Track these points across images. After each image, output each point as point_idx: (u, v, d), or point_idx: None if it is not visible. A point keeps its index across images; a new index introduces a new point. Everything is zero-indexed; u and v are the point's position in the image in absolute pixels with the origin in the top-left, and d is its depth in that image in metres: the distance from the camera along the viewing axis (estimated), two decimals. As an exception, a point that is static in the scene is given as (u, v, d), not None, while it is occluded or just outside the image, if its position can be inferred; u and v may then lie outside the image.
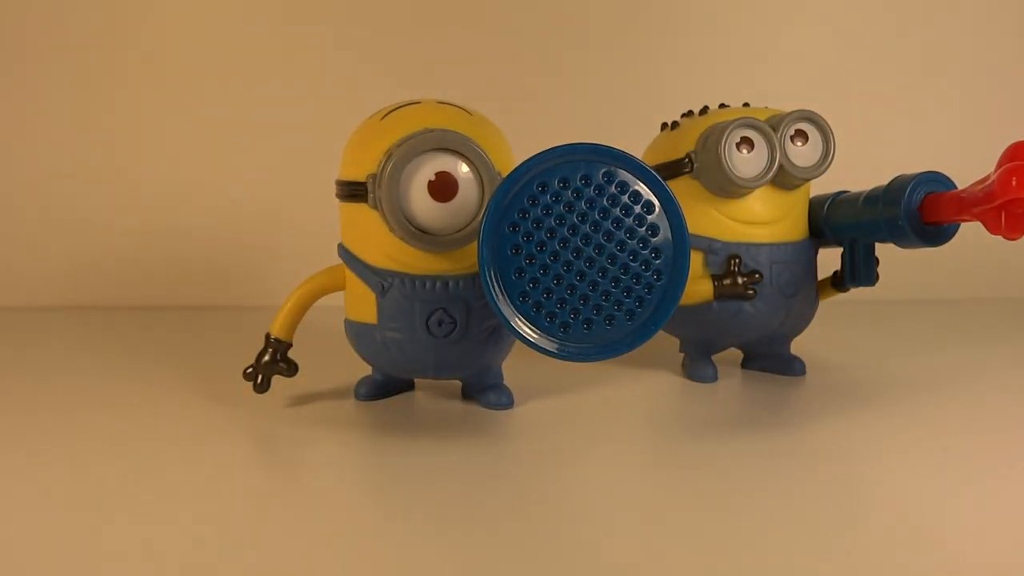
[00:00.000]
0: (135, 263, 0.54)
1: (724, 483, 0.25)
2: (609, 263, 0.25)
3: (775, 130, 0.32)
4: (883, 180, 0.32)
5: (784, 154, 0.32)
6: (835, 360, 0.39)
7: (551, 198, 0.25)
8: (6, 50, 0.54)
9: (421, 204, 0.28)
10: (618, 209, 0.25)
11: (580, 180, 0.25)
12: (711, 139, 0.32)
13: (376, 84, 0.55)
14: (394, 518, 0.22)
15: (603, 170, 0.25)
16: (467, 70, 0.57)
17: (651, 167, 0.30)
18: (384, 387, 0.33)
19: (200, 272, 0.54)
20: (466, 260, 0.29)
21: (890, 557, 0.20)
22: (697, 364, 0.36)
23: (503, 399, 0.32)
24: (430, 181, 0.28)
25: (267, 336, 0.32)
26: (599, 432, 0.29)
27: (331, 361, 0.37)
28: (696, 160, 0.33)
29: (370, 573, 0.19)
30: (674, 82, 0.57)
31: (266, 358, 0.32)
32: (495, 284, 0.25)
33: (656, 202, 0.25)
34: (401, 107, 0.30)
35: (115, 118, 0.55)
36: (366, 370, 0.33)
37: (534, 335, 0.25)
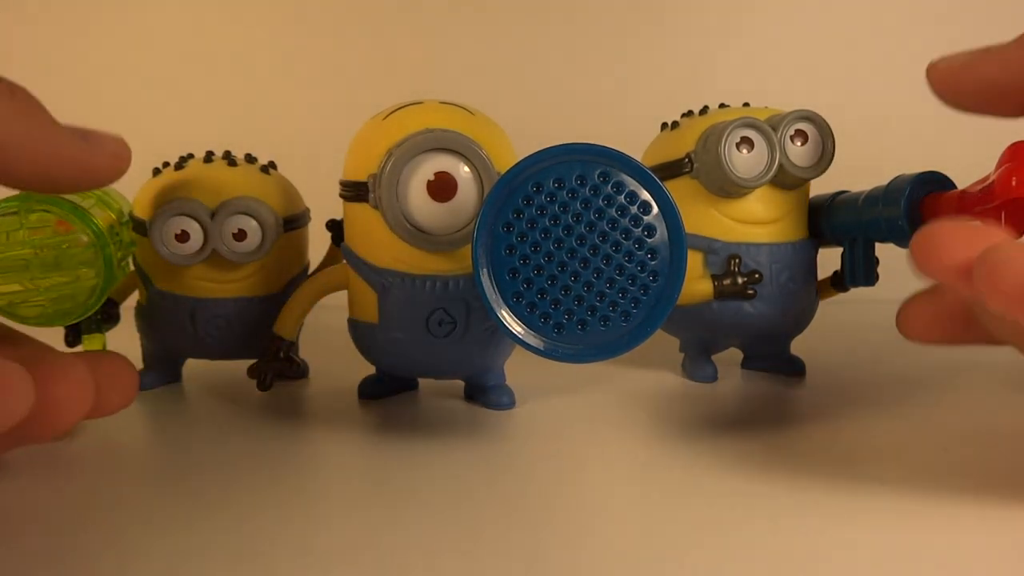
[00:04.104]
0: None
1: (725, 483, 0.25)
2: (604, 264, 0.25)
3: (775, 130, 0.32)
4: (883, 180, 0.32)
5: (784, 154, 0.32)
6: (835, 360, 0.39)
7: (546, 198, 0.25)
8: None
9: (420, 204, 0.28)
10: (614, 210, 0.25)
11: (576, 180, 0.25)
12: (711, 139, 0.32)
13: (381, 84, 0.56)
14: (394, 517, 0.22)
15: (599, 170, 0.25)
16: (469, 70, 0.57)
17: (650, 167, 0.30)
18: (387, 386, 0.34)
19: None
20: (466, 260, 0.29)
21: (891, 557, 0.20)
22: (697, 364, 0.36)
23: (504, 399, 0.32)
24: (429, 181, 0.28)
25: (271, 334, 0.32)
26: (600, 432, 0.30)
27: (335, 360, 0.37)
28: (696, 160, 0.33)
29: (370, 572, 0.19)
30: (674, 82, 0.56)
31: (270, 356, 0.32)
32: (489, 285, 0.25)
33: (653, 203, 0.25)
34: (403, 107, 0.30)
35: (113, 119, 0.55)
36: (369, 369, 0.33)
37: (528, 336, 0.25)
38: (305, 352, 0.36)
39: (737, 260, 0.33)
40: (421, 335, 0.29)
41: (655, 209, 0.25)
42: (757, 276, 0.33)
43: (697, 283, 0.33)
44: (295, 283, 0.34)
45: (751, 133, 0.32)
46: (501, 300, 0.25)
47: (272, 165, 0.35)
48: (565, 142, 0.25)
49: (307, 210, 0.36)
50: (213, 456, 0.27)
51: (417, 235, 0.28)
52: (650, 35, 0.57)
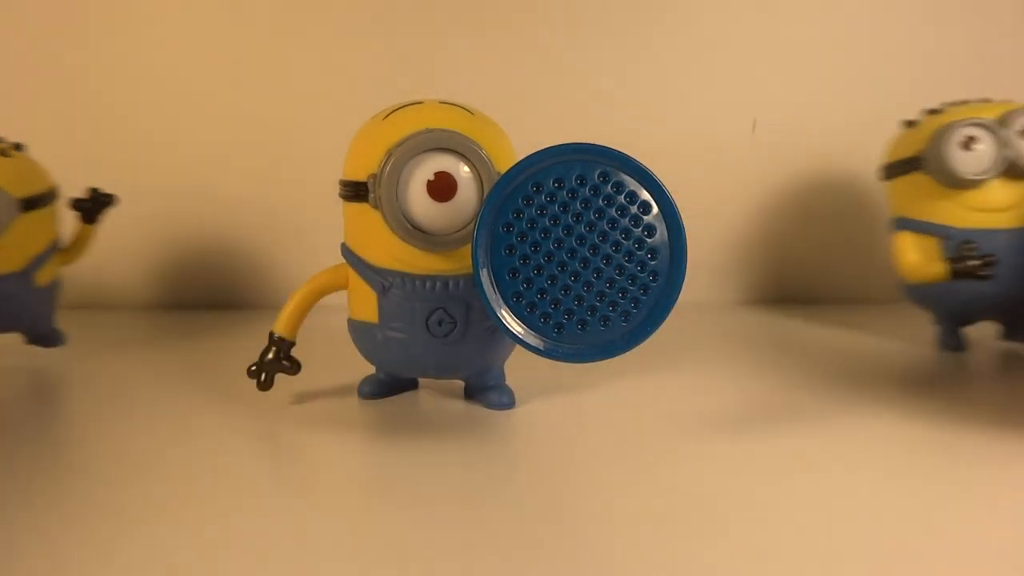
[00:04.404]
0: (138, 265, 0.54)
1: (727, 483, 0.25)
2: (604, 264, 0.25)
3: (1004, 125, 0.35)
4: None
5: (1014, 148, 0.34)
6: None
7: (546, 198, 0.25)
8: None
9: (420, 204, 0.28)
10: (614, 209, 0.25)
11: (576, 180, 0.25)
12: (936, 140, 0.35)
13: (381, 84, 0.56)
14: (394, 517, 0.22)
15: (599, 170, 0.25)
16: (469, 70, 0.57)
17: (889, 163, 0.34)
18: (387, 386, 0.34)
19: (203, 273, 0.54)
20: (466, 260, 0.29)
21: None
22: (947, 334, 0.39)
23: (504, 399, 0.32)
24: (429, 181, 0.28)
25: (271, 334, 0.32)
26: (601, 432, 0.29)
27: (335, 360, 0.37)
28: (927, 158, 0.36)
29: (370, 572, 0.19)
30: (674, 82, 0.56)
31: (270, 356, 0.32)
32: (489, 285, 0.25)
33: (653, 203, 0.25)
34: (403, 107, 0.30)
35: (113, 118, 0.55)
36: (369, 369, 0.33)
37: (528, 336, 0.25)
38: (307, 351, 0.36)
39: (971, 245, 0.35)
40: (421, 335, 0.29)
41: (655, 209, 0.25)
42: (992, 259, 0.34)
43: (933, 265, 0.36)
44: (40, 261, 0.36)
45: (977, 132, 0.35)
46: (501, 300, 0.25)
47: (17, 147, 0.38)
48: (565, 142, 0.25)
49: (53, 189, 0.38)
50: (213, 456, 0.27)
51: (417, 235, 0.28)
52: (651, 35, 0.57)
